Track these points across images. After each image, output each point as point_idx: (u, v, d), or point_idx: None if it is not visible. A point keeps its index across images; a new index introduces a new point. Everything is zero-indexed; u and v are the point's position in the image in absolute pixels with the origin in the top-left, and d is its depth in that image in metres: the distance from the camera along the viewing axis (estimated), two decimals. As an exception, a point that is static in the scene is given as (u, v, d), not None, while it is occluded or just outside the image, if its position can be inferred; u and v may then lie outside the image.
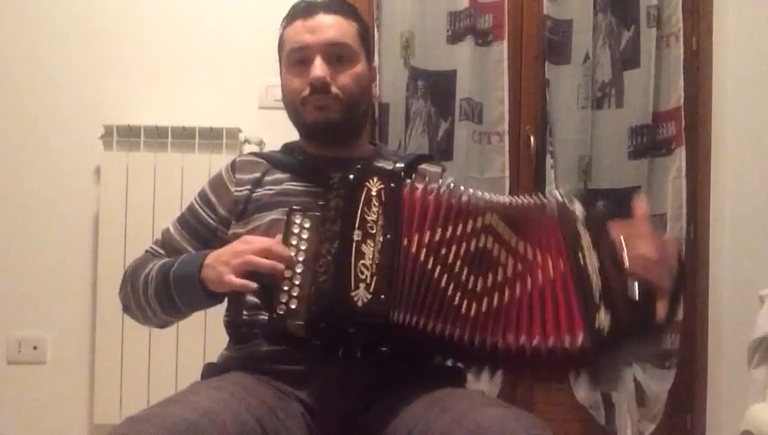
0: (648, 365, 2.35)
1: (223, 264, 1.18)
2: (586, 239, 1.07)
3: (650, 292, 1.04)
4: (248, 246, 1.17)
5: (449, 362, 1.21)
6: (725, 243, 2.47)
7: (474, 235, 1.11)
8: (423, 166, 1.43)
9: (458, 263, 1.09)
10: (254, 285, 1.14)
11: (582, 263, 1.05)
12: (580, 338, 1.02)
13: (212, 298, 1.24)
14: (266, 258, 1.14)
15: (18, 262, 2.51)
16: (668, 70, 2.54)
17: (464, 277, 1.09)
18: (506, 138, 2.51)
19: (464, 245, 1.10)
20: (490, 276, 1.09)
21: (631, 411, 2.46)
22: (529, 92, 2.60)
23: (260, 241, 1.19)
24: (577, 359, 1.04)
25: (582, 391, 2.48)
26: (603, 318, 1.01)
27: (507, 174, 2.50)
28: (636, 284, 1.03)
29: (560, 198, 1.14)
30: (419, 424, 1.05)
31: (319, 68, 1.33)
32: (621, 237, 1.06)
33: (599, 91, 2.55)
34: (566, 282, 1.06)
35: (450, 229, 1.11)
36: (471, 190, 1.18)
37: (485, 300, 1.08)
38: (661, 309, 1.03)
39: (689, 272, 2.51)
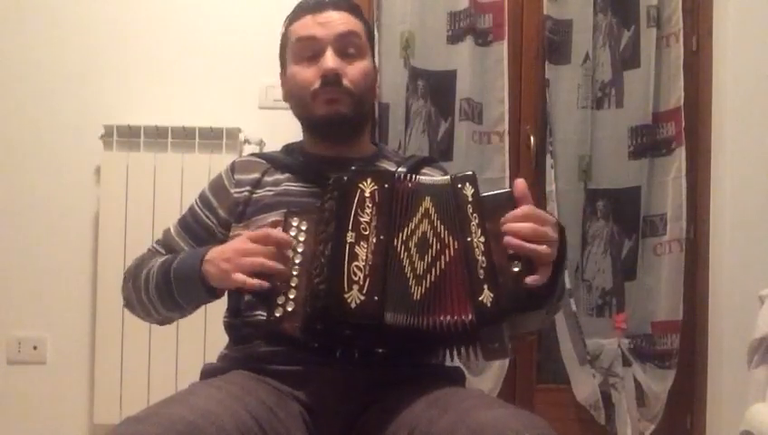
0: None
1: (225, 261, 1.19)
2: (474, 220, 1.12)
3: (532, 264, 1.08)
4: (251, 245, 1.18)
5: (439, 357, 1.22)
6: (725, 243, 2.47)
7: (420, 222, 1.14)
8: (424, 170, 1.42)
9: (415, 252, 1.12)
10: (265, 284, 1.15)
11: (470, 242, 1.10)
12: (469, 314, 1.07)
13: (212, 294, 1.25)
14: (266, 245, 1.16)
15: (18, 262, 2.51)
16: (668, 70, 2.54)
17: (416, 263, 1.11)
18: (506, 138, 2.51)
19: (418, 232, 1.13)
20: (426, 258, 1.12)
21: (631, 411, 2.46)
22: (529, 92, 2.60)
23: (261, 235, 1.19)
24: (469, 334, 1.08)
25: (582, 392, 2.49)
26: (486, 293, 1.06)
27: (507, 174, 2.50)
28: (516, 258, 1.08)
29: (452, 181, 1.17)
30: (421, 424, 1.05)
31: (331, 60, 1.32)
32: (505, 216, 1.11)
33: (599, 91, 2.55)
34: (458, 262, 1.10)
35: (412, 221, 1.14)
36: (415, 176, 1.21)
37: (423, 282, 1.10)
38: (540, 278, 1.08)
39: (689, 271, 2.51)
